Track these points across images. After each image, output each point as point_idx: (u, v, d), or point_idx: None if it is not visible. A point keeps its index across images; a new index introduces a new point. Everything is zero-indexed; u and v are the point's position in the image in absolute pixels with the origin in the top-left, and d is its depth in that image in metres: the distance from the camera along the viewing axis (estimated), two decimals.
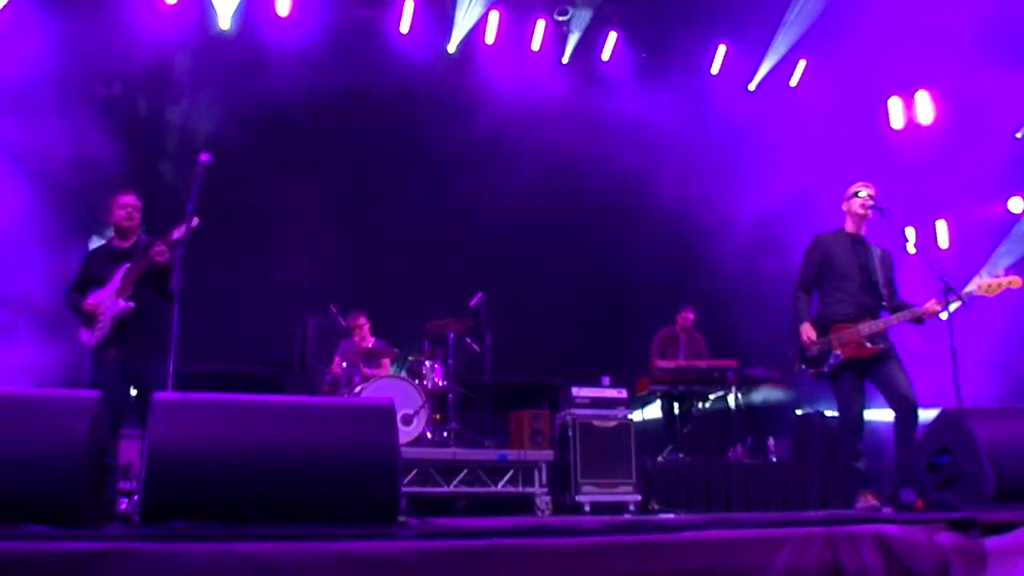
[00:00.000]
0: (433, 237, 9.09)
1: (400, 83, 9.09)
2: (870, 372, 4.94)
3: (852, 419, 4.96)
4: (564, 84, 9.65)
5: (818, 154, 9.04)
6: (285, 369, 8.38)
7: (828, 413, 7.73)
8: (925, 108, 9.75)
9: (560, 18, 9.64)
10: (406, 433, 6.50)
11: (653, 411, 8.36)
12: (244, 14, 8.49)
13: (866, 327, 4.92)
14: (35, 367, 6.59)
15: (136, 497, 3.07)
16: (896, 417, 4.81)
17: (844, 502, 5.64)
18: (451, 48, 9.33)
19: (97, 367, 4.84)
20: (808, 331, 5.07)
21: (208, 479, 2.58)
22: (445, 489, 6.39)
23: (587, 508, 6.45)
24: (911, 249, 5.52)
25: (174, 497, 2.55)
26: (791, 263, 5.53)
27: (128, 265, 4.88)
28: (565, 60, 9.82)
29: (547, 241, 9.37)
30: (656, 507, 6.70)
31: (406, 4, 8.99)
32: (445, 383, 7.08)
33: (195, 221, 4.52)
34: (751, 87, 10.19)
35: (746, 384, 8.20)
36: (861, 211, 5.15)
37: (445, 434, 6.90)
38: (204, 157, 4.35)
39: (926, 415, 4.13)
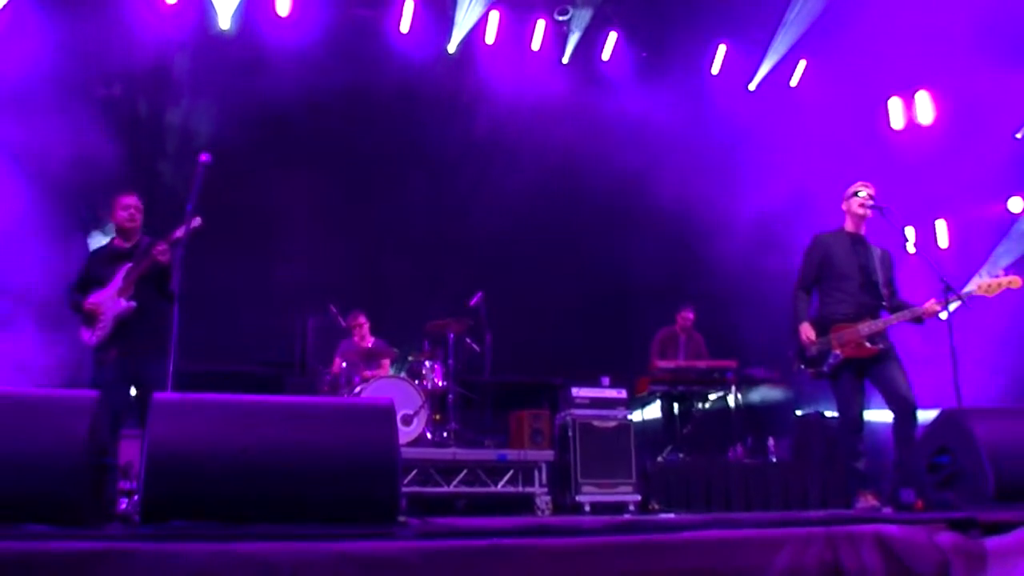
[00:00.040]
0: (433, 237, 9.09)
1: (400, 83, 9.09)
2: (869, 372, 4.94)
3: (852, 419, 4.96)
4: (564, 84, 9.65)
5: (818, 154, 9.04)
6: (285, 369, 8.38)
7: (828, 413, 7.72)
8: (925, 108, 9.75)
9: (560, 18, 9.64)
10: (406, 433, 6.50)
11: (653, 411, 8.36)
12: (244, 14, 8.49)
13: (866, 327, 4.92)
14: (35, 364, 6.60)
15: (136, 497, 3.07)
16: (895, 418, 4.81)
17: (844, 502, 5.64)
18: (451, 48, 9.33)
19: (98, 367, 4.86)
20: (807, 331, 5.07)
21: (208, 479, 2.58)
22: (445, 489, 6.39)
23: (587, 508, 6.45)
24: (911, 249, 5.52)
25: (174, 497, 2.55)
26: (791, 263, 5.53)
27: (130, 265, 4.91)
28: (565, 60, 9.82)
29: (547, 241, 9.37)
30: (656, 507, 6.70)
31: (406, 4, 8.99)
32: (445, 383, 7.08)
33: (197, 221, 4.55)
34: (751, 87, 10.19)
35: (746, 384, 8.20)
36: (861, 211, 5.15)
37: (445, 434, 6.90)
38: (204, 157, 4.37)
39: (926, 415, 4.12)
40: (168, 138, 8.46)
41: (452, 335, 7.24)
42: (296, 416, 2.82)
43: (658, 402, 8.23)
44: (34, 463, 2.59)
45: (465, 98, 9.54)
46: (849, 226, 5.23)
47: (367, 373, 7.27)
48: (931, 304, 4.84)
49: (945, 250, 9.60)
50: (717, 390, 8.06)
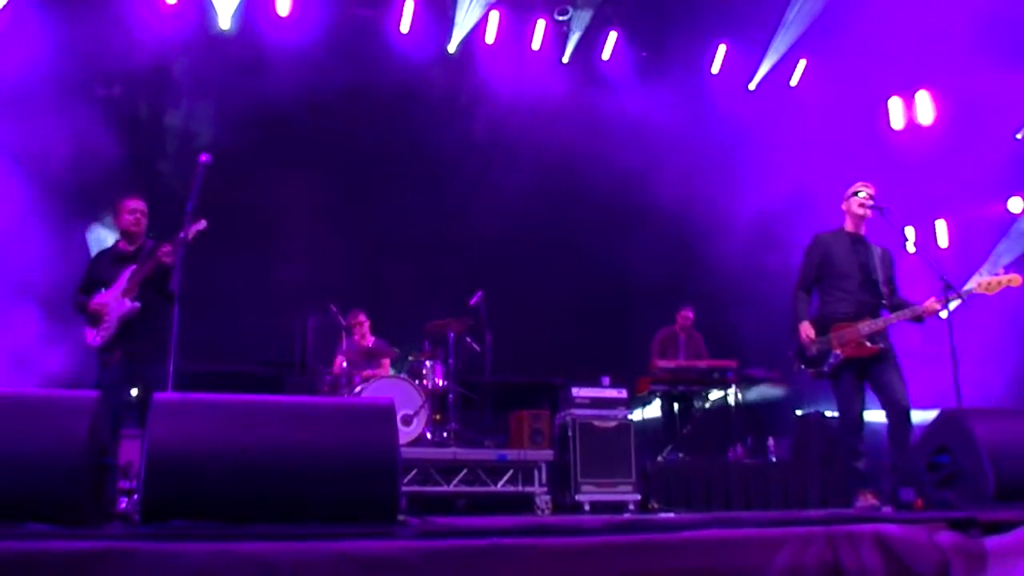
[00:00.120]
0: (433, 237, 9.09)
1: (400, 83, 9.09)
2: (868, 373, 4.94)
3: (852, 419, 4.96)
4: (564, 84, 9.65)
5: (818, 154, 9.04)
6: (285, 369, 8.38)
7: (828, 413, 7.73)
8: (925, 108, 9.75)
9: (560, 18, 9.64)
10: (406, 433, 6.51)
11: (653, 411, 8.36)
12: (244, 14, 8.49)
13: (866, 326, 4.92)
14: (35, 361, 6.62)
15: (136, 496, 3.07)
16: (890, 422, 4.82)
17: (844, 502, 5.64)
18: (451, 48, 9.33)
19: (102, 368, 4.90)
20: (807, 330, 5.07)
21: (208, 479, 2.58)
22: (445, 489, 6.40)
23: (587, 508, 6.45)
24: (911, 248, 5.52)
25: (174, 497, 2.55)
26: (791, 263, 5.53)
27: (134, 267, 4.93)
28: (565, 60, 9.82)
29: (547, 241, 9.37)
30: (656, 507, 6.70)
31: (406, 4, 8.99)
32: (445, 383, 7.08)
33: (203, 224, 4.59)
34: (751, 87, 10.19)
35: (746, 384, 8.20)
36: (860, 211, 5.15)
37: (445, 434, 6.90)
38: (204, 157, 4.38)
39: (926, 415, 4.13)
40: (168, 138, 8.47)
41: (452, 335, 7.24)
42: (296, 416, 2.82)
43: (658, 402, 8.23)
44: (34, 463, 2.59)
45: (465, 98, 9.54)
46: (849, 226, 5.23)
47: (367, 372, 7.27)
48: (931, 302, 4.85)
49: (945, 250, 9.60)
50: (717, 390, 8.06)
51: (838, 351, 4.96)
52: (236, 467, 2.60)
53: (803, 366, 5.16)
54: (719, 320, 8.76)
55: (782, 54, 9.87)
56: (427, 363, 7.09)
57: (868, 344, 4.90)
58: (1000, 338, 7.83)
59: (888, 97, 10.13)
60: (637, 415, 8.08)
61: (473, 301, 7.41)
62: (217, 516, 2.54)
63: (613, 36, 9.76)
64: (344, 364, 7.20)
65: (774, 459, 7.79)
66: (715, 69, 10.05)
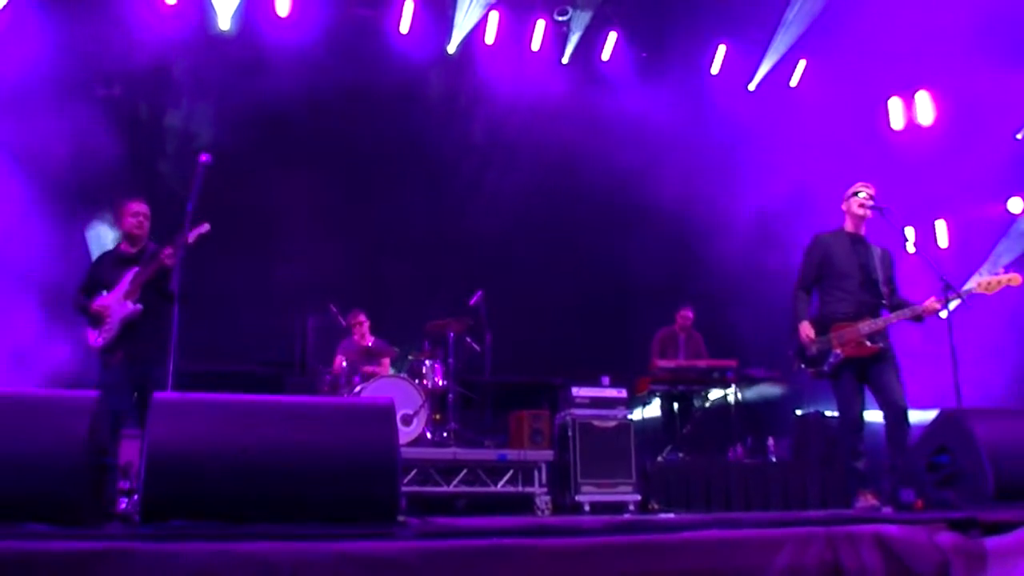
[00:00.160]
0: (433, 237, 9.09)
1: (400, 83, 9.09)
2: (867, 373, 4.94)
3: (852, 419, 4.96)
4: (564, 84, 9.65)
5: (818, 154, 9.04)
6: (285, 369, 8.39)
7: (828, 413, 7.72)
8: (925, 108, 9.75)
9: (560, 18, 9.64)
10: (406, 433, 6.51)
11: (653, 411, 8.36)
12: (244, 14, 8.49)
13: (866, 325, 4.92)
14: (36, 360, 6.62)
15: (136, 496, 3.07)
16: (888, 423, 4.83)
17: (844, 502, 5.64)
18: (451, 48, 9.33)
19: (104, 369, 4.93)
20: (807, 330, 5.07)
21: (208, 479, 2.58)
22: (445, 489, 6.39)
23: (587, 508, 6.45)
24: (911, 249, 5.52)
25: (174, 497, 2.55)
26: (791, 262, 5.53)
27: (137, 269, 4.94)
28: (565, 60, 9.82)
29: (547, 241, 9.37)
30: (656, 507, 6.70)
31: (406, 4, 8.99)
32: (445, 383, 7.08)
33: (206, 227, 4.61)
34: (751, 87, 10.19)
35: (746, 383, 8.20)
36: (860, 211, 5.15)
37: (445, 434, 6.90)
38: (204, 157, 4.39)
39: (926, 415, 4.13)
40: (168, 138, 8.47)
41: (452, 334, 7.25)
42: (296, 416, 2.82)
43: (658, 401, 8.23)
44: (34, 463, 2.59)
45: (465, 98, 9.54)
46: (849, 226, 5.23)
47: (368, 368, 7.27)
48: (931, 302, 4.85)
49: (945, 250, 9.60)
50: (717, 389, 8.06)
51: (838, 350, 4.96)
52: (236, 467, 2.60)
53: (803, 365, 5.16)
54: (719, 320, 8.76)
55: (782, 54, 9.87)
56: (427, 363, 7.09)
57: (868, 343, 4.90)
58: (1000, 338, 7.83)
59: (888, 97, 10.13)
60: (637, 415, 8.08)
61: (473, 301, 7.41)
62: (217, 516, 2.54)
63: (613, 36, 9.76)
64: (344, 363, 7.19)
65: (774, 459, 7.79)
66: (715, 69, 10.05)
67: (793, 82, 10.21)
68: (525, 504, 6.52)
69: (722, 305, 8.92)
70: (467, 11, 9.13)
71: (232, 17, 8.43)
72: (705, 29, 9.84)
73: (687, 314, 8.36)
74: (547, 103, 9.38)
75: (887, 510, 4.53)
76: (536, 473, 6.60)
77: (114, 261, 5.11)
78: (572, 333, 9.13)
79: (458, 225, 9.12)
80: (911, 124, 9.91)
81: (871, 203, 5.12)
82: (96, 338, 4.91)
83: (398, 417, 3.75)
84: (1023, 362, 8.04)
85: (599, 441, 6.68)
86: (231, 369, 7.70)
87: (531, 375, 8.73)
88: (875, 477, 4.96)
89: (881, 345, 4.91)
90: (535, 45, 9.54)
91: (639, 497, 6.62)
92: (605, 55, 9.83)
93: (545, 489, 6.55)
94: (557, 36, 9.74)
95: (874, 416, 5.06)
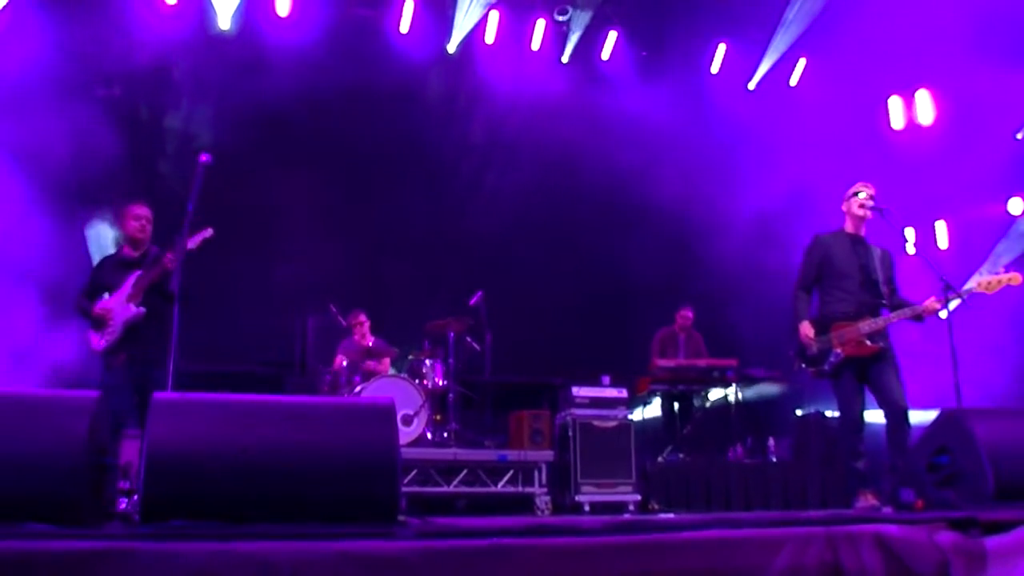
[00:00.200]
0: (433, 237, 9.09)
1: (400, 83, 9.08)
2: (867, 373, 4.94)
3: (852, 419, 4.96)
4: (564, 83, 9.65)
5: (818, 153, 9.04)
6: (285, 369, 8.38)
7: (828, 413, 7.73)
8: (925, 108, 9.75)
9: (560, 18, 9.64)
10: (406, 433, 6.51)
11: (653, 411, 8.36)
12: (244, 14, 8.49)
13: (866, 325, 4.92)
14: (37, 358, 6.63)
15: (136, 496, 3.07)
16: (888, 423, 4.83)
17: (844, 502, 5.64)
18: (451, 48, 9.33)
19: (106, 370, 4.94)
20: (807, 329, 5.07)
21: (208, 479, 2.58)
22: (445, 489, 6.39)
23: (587, 508, 6.45)
24: (911, 249, 5.52)
25: (174, 496, 2.55)
26: (791, 262, 5.53)
27: (139, 272, 4.96)
28: (565, 59, 9.82)
29: (547, 240, 9.37)
30: (656, 507, 6.70)
31: (406, 4, 8.99)
32: (445, 383, 7.08)
33: (209, 232, 4.61)
34: (751, 86, 10.19)
35: (746, 383, 8.20)
36: (860, 212, 5.15)
37: (445, 434, 6.90)
38: (204, 157, 4.39)
39: (926, 415, 4.13)
40: (168, 138, 8.48)
41: (452, 334, 7.25)
42: (296, 416, 2.81)
43: (658, 401, 8.23)
44: (34, 463, 2.59)
45: (465, 98, 9.54)
46: (849, 227, 5.23)
47: (368, 365, 7.27)
48: (931, 302, 4.85)
49: (945, 251, 9.60)
50: (717, 389, 8.06)
51: (838, 350, 4.96)
52: (236, 467, 2.60)
53: (804, 365, 5.16)
54: (719, 320, 8.76)
55: (782, 53, 9.87)
56: (427, 363, 7.09)
57: (868, 343, 4.90)
58: (1000, 338, 7.83)
59: (888, 97, 10.13)
60: (637, 415, 8.08)
61: (473, 301, 7.41)
62: (217, 516, 2.54)
63: (613, 36, 9.76)
64: (344, 363, 7.19)
65: (774, 459, 7.78)
66: (715, 69, 10.05)
67: (793, 81, 10.21)
68: (525, 504, 6.52)
69: (722, 305, 8.92)
70: (467, 11, 9.13)
71: (232, 17, 8.43)
72: (705, 28, 9.84)
73: (687, 314, 8.36)
74: (547, 103, 9.38)
75: (887, 510, 4.53)
76: (536, 473, 6.59)
77: (116, 265, 5.13)
78: (572, 333, 9.13)
79: (458, 225, 9.11)
80: (911, 124, 9.91)
81: (871, 204, 5.12)
82: (99, 341, 4.93)
83: (398, 417, 3.75)
84: (1023, 362, 8.04)
85: (599, 441, 6.68)
86: (231, 369, 7.70)
87: (531, 375, 8.72)
88: (875, 477, 4.96)
89: (881, 345, 4.91)
90: (535, 45, 9.54)
91: (639, 497, 6.61)
92: (605, 55, 9.83)
93: (545, 489, 6.55)
94: (557, 36, 9.74)
95: (874, 416, 5.06)
